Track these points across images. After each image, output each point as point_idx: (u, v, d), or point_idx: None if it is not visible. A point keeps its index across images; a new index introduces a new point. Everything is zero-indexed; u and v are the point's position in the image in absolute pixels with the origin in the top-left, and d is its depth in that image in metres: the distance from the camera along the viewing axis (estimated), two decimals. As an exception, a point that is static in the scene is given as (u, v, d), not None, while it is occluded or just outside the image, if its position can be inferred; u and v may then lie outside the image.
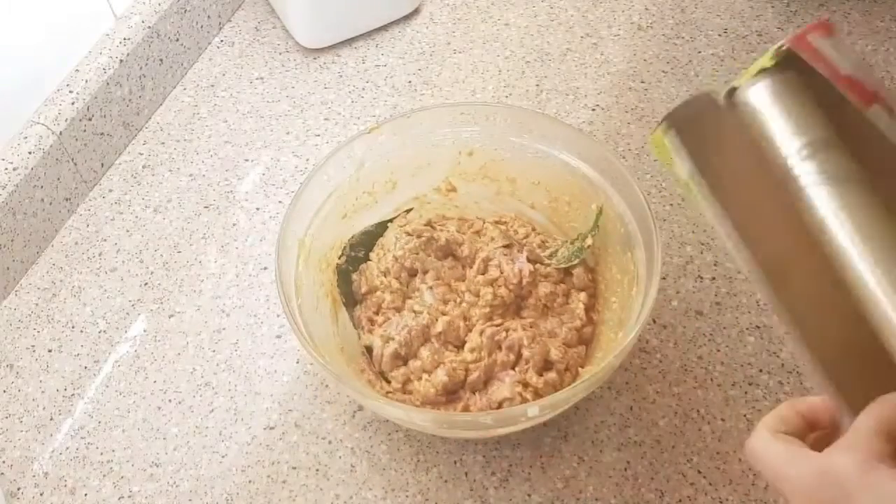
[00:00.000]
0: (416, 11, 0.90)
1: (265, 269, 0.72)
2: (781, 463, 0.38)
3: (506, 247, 0.66)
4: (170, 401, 0.65)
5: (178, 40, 0.84)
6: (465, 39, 0.88)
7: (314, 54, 0.87)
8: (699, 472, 0.59)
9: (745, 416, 0.61)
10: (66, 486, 0.61)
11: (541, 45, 0.86)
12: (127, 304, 0.71)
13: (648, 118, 0.79)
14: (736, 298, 0.67)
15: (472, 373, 0.60)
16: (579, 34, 0.87)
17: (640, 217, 0.59)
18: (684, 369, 0.64)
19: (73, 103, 0.74)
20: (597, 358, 0.61)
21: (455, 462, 0.61)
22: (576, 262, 0.65)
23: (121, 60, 0.77)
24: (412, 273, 0.65)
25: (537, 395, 0.58)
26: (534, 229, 0.69)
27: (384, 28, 0.89)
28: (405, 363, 0.62)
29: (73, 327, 0.69)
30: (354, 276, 0.67)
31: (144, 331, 0.69)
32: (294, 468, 0.61)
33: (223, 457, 0.62)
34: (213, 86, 0.85)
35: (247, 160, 0.79)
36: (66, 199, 0.75)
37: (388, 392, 0.61)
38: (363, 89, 0.84)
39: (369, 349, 0.63)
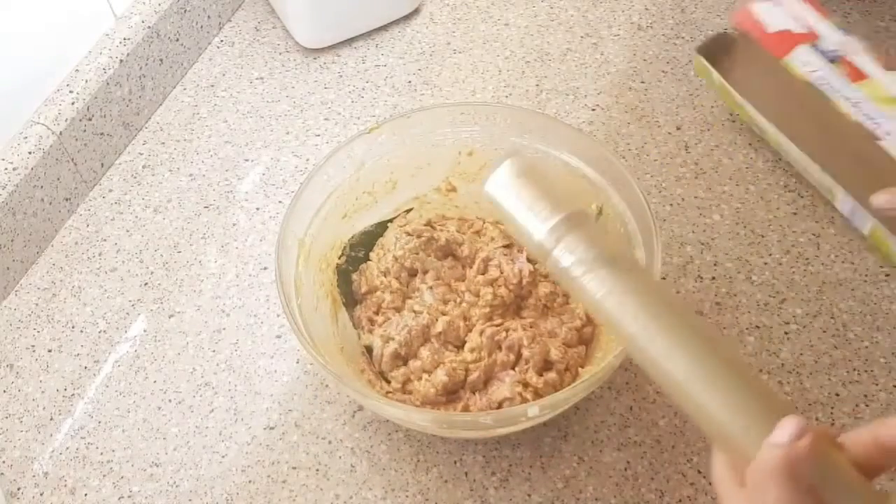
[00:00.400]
0: (416, 11, 0.90)
1: (265, 269, 0.72)
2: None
3: (506, 247, 0.66)
4: (170, 401, 0.65)
5: (178, 40, 0.84)
6: (465, 39, 0.88)
7: (314, 54, 0.87)
8: (699, 472, 0.59)
9: (745, 416, 0.61)
10: (66, 486, 0.61)
11: (541, 45, 0.86)
12: (127, 304, 0.71)
13: (648, 118, 0.79)
14: (736, 298, 0.67)
15: (472, 373, 0.60)
16: (579, 34, 0.87)
17: (640, 217, 0.59)
18: (684, 369, 0.64)
19: (73, 103, 0.74)
20: (597, 358, 0.61)
21: (455, 462, 0.61)
22: (576, 262, 0.65)
23: (121, 60, 0.77)
24: (412, 273, 0.66)
25: (537, 395, 0.58)
26: (534, 229, 0.68)
27: (384, 28, 0.89)
28: (405, 363, 0.62)
29: (73, 327, 0.69)
30: (354, 276, 0.67)
31: (144, 331, 0.69)
32: (294, 468, 0.61)
33: (223, 457, 0.62)
34: (213, 86, 0.85)
35: (247, 160, 0.79)
36: (66, 199, 0.75)
37: (388, 392, 0.61)
38: (363, 89, 0.84)
39: (369, 349, 0.63)
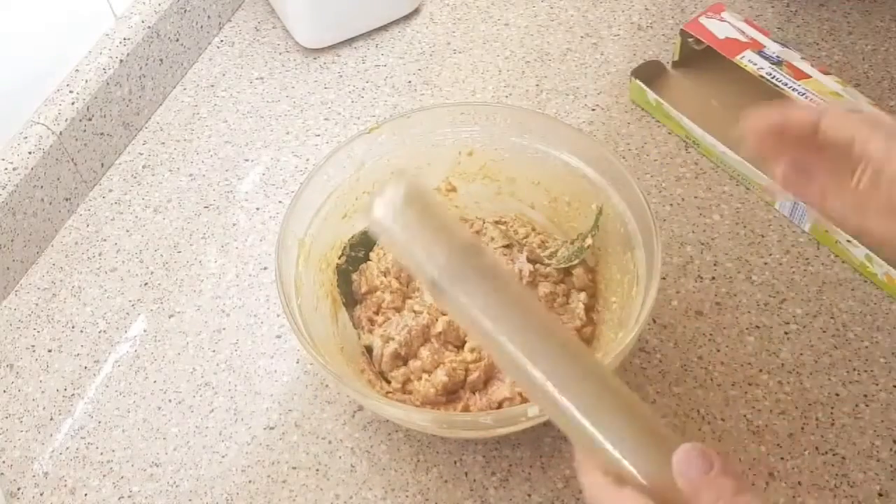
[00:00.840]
0: (416, 11, 0.90)
1: (265, 269, 0.72)
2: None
3: (506, 247, 0.66)
4: (170, 401, 0.65)
5: (178, 40, 0.84)
6: (465, 39, 0.88)
7: (314, 54, 0.87)
8: (699, 472, 0.59)
9: (745, 416, 0.61)
10: (66, 486, 0.61)
11: (541, 45, 0.86)
12: (127, 304, 0.71)
13: (648, 118, 0.79)
14: (736, 298, 0.67)
15: (472, 373, 0.60)
16: (579, 34, 0.87)
17: (640, 217, 0.59)
18: (684, 369, 0.64)
19: (73, 103, 0.74)
20: (597, 358, 0.61)
21: (455, 462, 0.61)
22: (576, 262, 0.65)
23: (121, 60, 0.77)
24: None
25: (537, 395, 0.58)
26: (534, 229, 0.69)
27: (384, 28, 0.89)
28: (405, 363, 0.62)
29: (73, 327, 0.69)
30: (354, 276, 0.67)
31: (144, 331, 0.69)
32: (294, 468, 0.61)
33: (223, 457, 0.62)
34: (213, 86, 0.85)
35: (247, 160, 0.79)
36: (66, 199, 0.75)
37: (388, 392, 0.61)
38: (363, 89, 0.84)
39: (369, 349, 0.63)
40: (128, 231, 0.75)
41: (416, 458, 0.61)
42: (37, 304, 0.71)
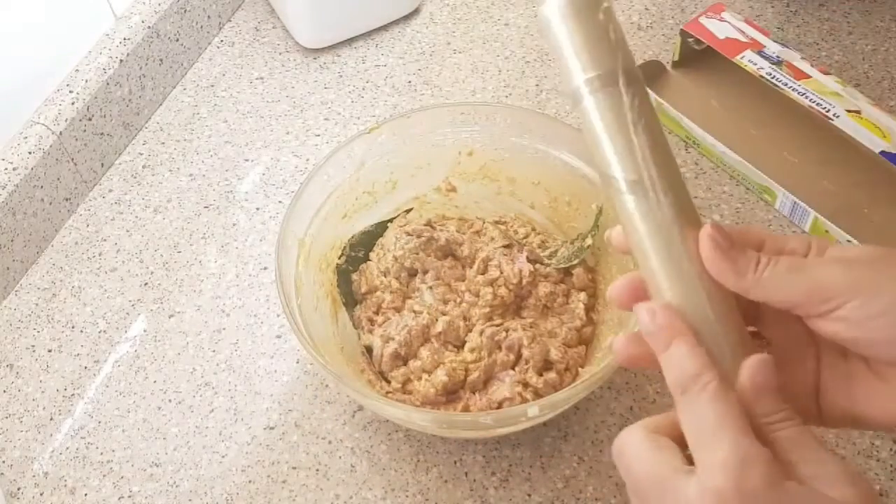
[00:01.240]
0: (416, 11, 0.90)
1: (265, 269, 0.72)
2: (650, 480, 0.33)
3: (506, 247, 0.66)
4: (170, 401, 0.65)
5: (178, 40, 0.84)
6: (465, 39, 0.88)
7: (314, 54, 0.87)
8: (699, 472, 0.59)
9: (745, 416, 0.61)
10: (66, 486, 0.61)
11: (541, 45, 0.86)
12: (127, 304, 0.71)
13: (648, 118, 0.79)
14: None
15: (472, 373, 0.60)
16: (579, 34, 0.87)
17: (640, 217, 0.59)
18: (684, 369, 0.64)
19: (73, 103, 0.74)
20: (597, 358, 0.61)
21: (455, 462, 0.61)
22: (576, 262, 0.65)
23: (121, 60, 0.77)
24: (412, 273, 0.65)
25: (537, 395, 0.58)
26: (534, 229, 0.69)
27: (384, 28, 0.89)
28: (405, 363, 0.62)
29: (73, 327, 0.70)
30: (354, 276, 0.67)
31: (144, 331, 0.69)
32: (294, 468, 0.61)
33: (223, 457, 0.62)
34: (213, 86, 0.85)
35: (247, 160, 0.79)
36: (66, 199, 0.75)
37: (388, 392, 0.61)
38: (363, 89, 0.84)
39: (369, 349, 0.63)
40: (128, 231, 0.75)
41: (416, 458, 0.61)
42: (37, 304, 0.71)
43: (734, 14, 0.77)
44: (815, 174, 0.71)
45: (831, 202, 0.69)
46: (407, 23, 0.89)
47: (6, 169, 0.69)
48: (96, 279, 0.72)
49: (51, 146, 0.72)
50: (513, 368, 0.60)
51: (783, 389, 0.34)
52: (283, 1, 0.85)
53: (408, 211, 0.69)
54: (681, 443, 0.34)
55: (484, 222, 0.69)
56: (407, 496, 0.59)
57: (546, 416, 0.56)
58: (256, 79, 0.86)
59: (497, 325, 0.61)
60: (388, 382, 0.61)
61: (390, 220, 0.68)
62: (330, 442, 0.62)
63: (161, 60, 0.82)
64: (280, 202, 0.76)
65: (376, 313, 0.65)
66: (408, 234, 0.65)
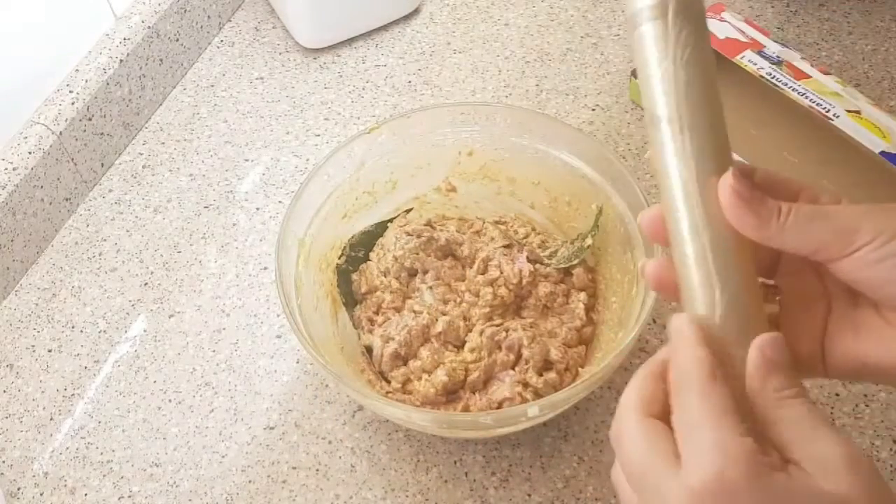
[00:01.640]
0: (416, 11, 0.90)
1: (265, 269, 0.72)
2: (642, 470, 0.33)
3: (506, 247, 0.66)
4: (170, 401, 0.65)
5: (178, 40, 0.84)
6: (465, 39, 0.88)
7: (314, 54, 0.87)
8: (699, 472, 0.59)
9: (745, 416, 0.61)
10: (66, 486, 0.61)
11: (541, 45, 0.86)
12: (127, 304, 0.71)
13: (648, 118, 0.79)
14: (736, 298, 0.67)
15: (472, 373, 0.60)
16: (579, 34, 0.87)
17: (640, 217, 0.59)
18: (684, 369, 0.64)
19: (73, 103, 0.74)
20: (597, 358, 0.61)
21: (455, 462, 0.61)
22: (576, 262, 0.65)
23: (121, 60, 0.77)
24: (412, 273, 0.65)
25: (537, 395, 0.58)
26: (534, 229, 0.69)
27: (384, 28, 0.89)
28: (405, 363, 0.62)
29: (73, 327, 0.70)
30: (354, 276, 0.67)
31: (144, 331, 0.69)
32: (294, 468, 0.61)
33: (223, 457, 0.62)
34: (213, 86, 0.85)
35: (247, 160, 0.79)
36: (66, 199, 0.75)
37: (388, 392, 0.61)
38: (363, 89, 0.84)
39: (369, 349, 0.63)
40: (128, 231, 0.75)
41: (416, 458, 0.61)
42: (37, 304, 0.71)
43: (734, 14, 0.77)
44: (815, 174, 0.71)
45: None
46: (407, 23, 0.89)
47: (6, 169, 0.69)
48: (96, 279, 0.72)
49: (51, 146, 0.72)
50: (513, 368, 0.60)
51: (791, 345, 0.35)
52: (283, 1, 0.85)
53: (408, 211, 0.69)
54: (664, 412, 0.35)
55: (484, 222, 0.69)
56: (407, 496, 0.59)
57: (546, 416, 0.56)
58: (256, 79, 0.86)
59: (497, 325, 0.61)
60: (388, 382, 0.61)
61: (390, 220, 0.68)
62: (330, 442, 0.62)
63: (161, 60, 0.82)
64: (280, 202, 0.76)
65: (376, 313, 0.65)
66: (408, 234, 0.65)
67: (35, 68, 0.73)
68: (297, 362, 0.66)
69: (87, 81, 0.75)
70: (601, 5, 0.89)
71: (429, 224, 0.68)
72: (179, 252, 0.73)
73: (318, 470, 0.61)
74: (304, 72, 0.86)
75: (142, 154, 0.81)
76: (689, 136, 0.36)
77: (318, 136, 0.81)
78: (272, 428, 0.63)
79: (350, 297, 0.66)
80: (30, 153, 0.70)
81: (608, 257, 0.64)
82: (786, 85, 0.71)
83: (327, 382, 0.65)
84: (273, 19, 0.91)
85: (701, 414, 0.32)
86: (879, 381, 0.41)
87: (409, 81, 0.84)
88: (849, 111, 0.69)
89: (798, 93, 0.70)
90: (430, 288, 0.64)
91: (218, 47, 0.89)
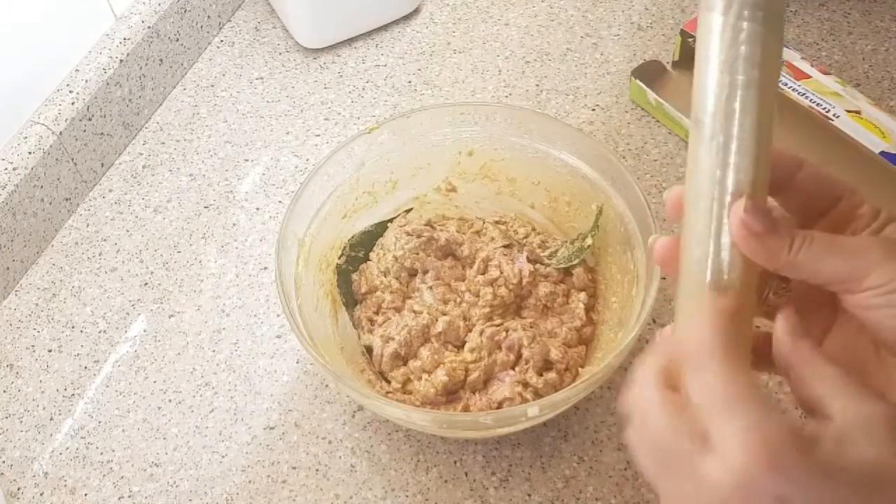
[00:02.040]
0: (416, 11, 0.90)
1: (265, 269, 0.72)
2: (669, 452, 0.32)
3: (506, 247, 0.66)
4: (170, 401, 0.65)
5: (178, 40, 0.84)
6: (465, 39, 0.88)
7: (314, 54, 0.87)
8: (699, 472, 0.59)
9: (745, 416, 0.61)
10: (66, 486, 0.61)
11: (541, 45, 0.86)
12: (127, 304, 0.71)
13: (648, 118, 0.79)
14: (736, 298, 0.67)
15: (472, 373, 0.60)
16: (579, 34, 0.87)
17: (640, 217, 0.59)
18: (684, 369, 0.64)
19: (73, 103, 0.74)
20: (597, 358, 0.61)
21: (455, 462, 0.61)
22: (576, 262, 0.65)
23: (121, 60, 0.77)
24: (412, 273, 0.66)
25: (537, 395, 0.58)
26: (534, 229, 0.69)
27: (384, 28, 0.89)
28: (405, 363, 0.62)
29: (73, 327, 0.70)
30: (354, 276, 0.67)
31: (144, 331, 0.69)
32: (294, 468, 0.61)
33: (223, 457, 0.62)
34: (213, 86, 0.85)
35: (247, 160, 0.79)
36: (66, 199, 0.75)
37: (388, 392, 0.61)
38: (363, 89, 0.84)
39: (369, 349, 0.63)
40: (128, 231, 0.75)
41: (416, 458, 0.61)
42: (37, 304, 0.71)
43: None
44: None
45: None
46: (407, 23, 0.89)
47: (6, 169, 0.69)
48: (96, 279, 0.72)
49: (51, 146, 0.72)
50: (513, 368, 0.60)
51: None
52: (283, 1, 0.85)
53: (408, 211, 0.69)
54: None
55: (484, 222, 0.69)
56: (407, 496, 0.59)
57: (546, 416, 0.56)
58: (256, 79, 0.86)
59: (497, 325, 0.61)
60: (388, 382, 0.61)
61: (390, 220, 0.68)
62: (330, 442, 0.62)
63: (161, 60, 0.82)
64: (280, 202, 0.76)
65: (376, 313, 0.65)
66: (408, 234, 0.65)
67: (35, 68, 0.73)
68: (297, 362, 0.66)
69: (87, 81, 0.75)
70: (601, 5, 0.89)
71: (429, 224, 0.68)
72: (179, 252, 0.73)
73: (318, 470, 0.61)
74: (304, 72, 0.86)
75: (142, 154, 0.81)
76: (718, 146, 0.36)
77: (318, 136, 0.81)
78: (272, 428, 0.63)
79: (350, 297, 0.66)
80: (30, 153, 0.70)
81: (608, 257, 0.64)
82: (786, 85, 0.71)
83: (327, 382, 0.65)
84: (273, 19, 0.91)
85: (726, 395, 0.31)
86: None
87: (409, 81, 0.84)
88: (849, 111, 0.69)
89: (798, 93, 0.70)
90: (430, 288, 0.64)
91: (218, 47, 0.89)
